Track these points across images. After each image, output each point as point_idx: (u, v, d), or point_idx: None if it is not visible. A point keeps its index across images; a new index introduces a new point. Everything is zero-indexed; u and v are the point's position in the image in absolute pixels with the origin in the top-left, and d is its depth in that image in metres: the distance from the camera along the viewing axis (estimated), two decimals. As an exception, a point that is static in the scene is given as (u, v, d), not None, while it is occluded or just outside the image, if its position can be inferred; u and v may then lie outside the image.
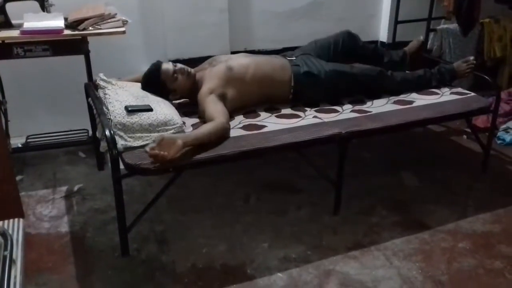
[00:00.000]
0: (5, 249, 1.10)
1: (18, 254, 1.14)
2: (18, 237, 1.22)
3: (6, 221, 1.29)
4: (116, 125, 2.06)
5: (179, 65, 2.41)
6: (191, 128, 2.28)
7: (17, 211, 1.65)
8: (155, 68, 2.39)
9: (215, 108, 2.26)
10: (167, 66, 2.39)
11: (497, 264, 2.14)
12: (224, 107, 2.30)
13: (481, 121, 3.26)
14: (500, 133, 3.28)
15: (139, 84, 2.42)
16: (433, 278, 2.04)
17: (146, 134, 2.10)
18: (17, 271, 1.09)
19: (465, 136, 3.32)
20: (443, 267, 2.11)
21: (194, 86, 2.43)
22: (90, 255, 2.17)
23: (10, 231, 1.22)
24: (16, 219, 1.29)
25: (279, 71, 2.55)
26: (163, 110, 2.19)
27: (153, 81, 2.37)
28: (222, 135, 2.17)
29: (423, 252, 2.20)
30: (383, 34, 3.90)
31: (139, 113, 2.12)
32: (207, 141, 2.09)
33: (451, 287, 2.00)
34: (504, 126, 3.32)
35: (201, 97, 2.34)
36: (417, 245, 2.25)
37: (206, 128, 2.14)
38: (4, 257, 1.07)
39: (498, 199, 2.61)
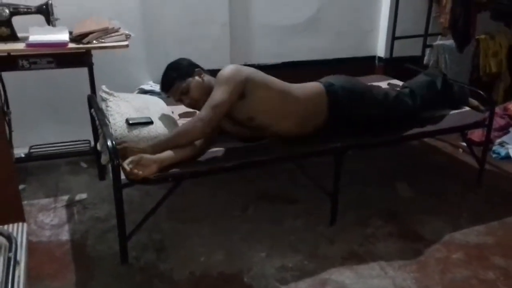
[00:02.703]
0: (10, 251, 1.15)
1: (22, 255, 1.19)
2: (22, 240, 1.27)
3: (10, 225, 1.34)
4: (117, 137, 2.11)
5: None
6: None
7: (19, 216, 1.69)
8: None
9: (217, 96, 2.16)
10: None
11: (490, 275, 2.17)
12: (231, 101, 2.17)
13: (476, 135, 3.31)
14: (495, 147, 3.33)
15: (141, 96, 2.49)
16: (427, 288, 2.08)
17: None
18: (21, 272, 1.13)
19: (461, 150, 3.37)
20: (437, 278, 2.14)
21: (209, 89, 2.26)
22: (90, 262, 2.21)
23: (14, 234, 1.27)
24: (20, 223, 1.34)
25: (310, 88, 2.45)
26: (163, 122, 2.25)
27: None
28: (194, 139, 2.15)
29: (418, 262, 2.24)
30: (380, 49, 3.98)
31: (140, 127, 2.18)
32: (188, 142, 2.15)
33: (445, 297, 2.04)
34: (499, 140, 3.37)
35: (218, 77, 2.23)
36: (411, 256, 2.28)
37: (186, 131, 2.14)
38: (9, 258, 1.12)
39: (492, 211, 2.65)
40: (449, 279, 2.13)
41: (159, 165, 2.03)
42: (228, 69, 2.23)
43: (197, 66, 2.36)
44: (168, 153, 2.08)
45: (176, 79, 2.28)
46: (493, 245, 2.37)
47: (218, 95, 2.17)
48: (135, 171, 1.95)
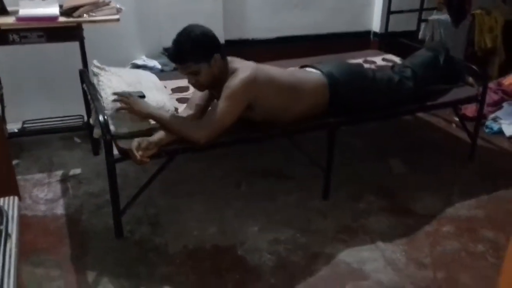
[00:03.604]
0: (1, 224, 1.16)
1: (13, 228, 1.20)
2: (13, 213, 1.28)
3: (1, 199, 1.35)
4: (109, 111, 2.11)
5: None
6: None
7: (13, 190, 1.70)
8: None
9: (222, 111, 2.07)
10: None
11: (480, 247, 2.21)
12: (235, 117, 2.11)
13: (470, 110, 3.32)
14: (488, 122, 3.34)
15: (132, 71, 2.47)
16: (416, 260, 2.11)
17: (137, 121, 2.15)
18: (12, 244, 1.15)
19: (454, 125, 3.38)
20: (426, 250, 2.18)
21: (219, 79, 2.14)
22: (85, 236, 2.24)
23: (6, 208, 1.28)
24: (11, 197, 1.35)
25: (307, 73, 2.44)
26: (155, 96, 2.24)
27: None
28: (186, 138, 2.07)
29: (408, 236, 2.27)
30: (376, 24, 3.96)
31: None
32: (175, 134, 2.08)
33: (434, 268, 2.07)
34: (492, 116, 3.39)
35: (228, 84, 2.10)
36: (402, 230, 2.31)
37: (182, 128, 2.07)
38: (0, 231, 1.13)
39: (483, 185, 2.68)
40: (439, 252, 2.17)
41: (159, 147, 2.04)
42: (238, 82, 2.09)
43: (218, 48, 2.11)
44: (163, 134, 2.07)
45: (191, 59, 2.05)
46: (483, 218, 2.41)
47: (223, 111, 2.07)
48: (145, 159, 1.96)
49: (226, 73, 2.14)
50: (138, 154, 1.95)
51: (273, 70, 2.28)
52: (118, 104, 2.07)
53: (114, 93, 2.12)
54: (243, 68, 2.13)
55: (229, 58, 2.19)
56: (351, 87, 2.39)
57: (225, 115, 2.09)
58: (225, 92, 2.10)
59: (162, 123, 2.09)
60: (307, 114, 2.34)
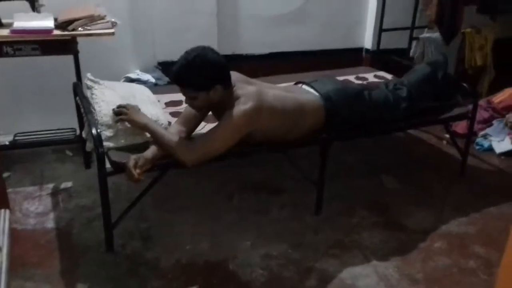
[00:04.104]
0: (-8, 236, 1.15)
1: (4, 241, 1.19)
2: (4, 227, 1.26)
3: (-7, 212, 1.33)
4: (102, 125, 2.11)
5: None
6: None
7: (3, 203, 1.69)
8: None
9: (218, 138, 2.03)
10: None
11: (471, 263, 2.21)
12: (230, 146, 2.06)
13: (460, 127, 3.35)
14: (478, 139, 3.38)
15: (126, 84, 2.47)
16: (409, 276, 2.11)
17: (130, 136, 2.15)
18: (3, 257, 1.13)
19: (445, 142, 3.41)
20: (418, 266, 2.18)
21: (217, 104, 2.09)
22: (76, 250, 2.21)
23: (-3, 221, 1.27)
24: (2, 210, 1.33)
25: (305, 94, 2.39)
26: (149, 110, 2.24)
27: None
28: (175, 156, 2.04)
29: (400, 251, 2.27)
30: (368, 41, 4.01)
31: None
32: (165, 151, 2.04)
33: (426, 285, 2.07)
34: (483, 133, 3.43)
35: (230, 113, 2.03)
36: (395, 245, 2.32)
37: (174, 146, 2.02)
38: (-9, 244, 1.12)
39: (474, 202, 2.70)
40: (431, 268, 2.17)
41: (152, 163, 2.04)
42: (240, 114, 2.02)
43: (222, 79, 2.04)
44: (155, 149, 2.05)
45: (191, 86, 2.01)
46: (474, 234, 2.42)
47: (219, 139, 2.03)
48: (141, 177, 1.96)
49: (227, 99, 2.07)
50: (135, 173, 1.94)
51: (276, 96, 2.19)
52: (118, 116, 2.08)
53: (118, 106, 2.12)
54: (246, 97, 2.05)
55: (233, 80, 2.11)
56: (347, 111, 2.37)
57: (220, 143, 2.05)
58: (225, 120, 2.04)
59: (155, 137, 2.07)
60: (303, 135, 2.34)
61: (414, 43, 3.81)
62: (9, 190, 2.54)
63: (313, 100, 2.36)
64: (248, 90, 2.10)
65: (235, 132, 2.06)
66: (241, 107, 2.03)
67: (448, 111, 2.75)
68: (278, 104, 2.18)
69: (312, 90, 2.44)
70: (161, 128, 2.12)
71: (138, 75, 3.18)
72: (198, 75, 1.97)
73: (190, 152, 2.04)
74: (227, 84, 2.06)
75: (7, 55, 2.50)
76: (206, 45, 2.06)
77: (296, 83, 2.60)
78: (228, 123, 2.04)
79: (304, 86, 2.52)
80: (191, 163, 2.04)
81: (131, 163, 1.96)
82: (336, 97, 2.37)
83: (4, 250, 1.16)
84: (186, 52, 2.00)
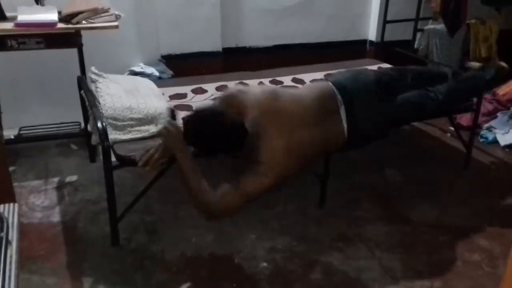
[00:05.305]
0: (1, 230, 1.16)
1: (13, 235, 1.20)
2: (13, 220, 1.28)
3: (1, 206, 1.34)
4: (107, 118, 2.11)
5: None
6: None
7: (10, 197, 1.70)
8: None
9: (250, 186, 1.84)
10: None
11: (475, 256, 2.22)
12: (263, 188, 1.85)
13: (465, 119, 3.35)
14: (483, 132, 3.37)
15: (130, 77, 2.47)
16: (413, 269, 2.12)
17: (136, 128, 2.15)
18: (13, 251, 1.15)
19: (449, 134, 3.40)
20: (423, 259, 2.19)
21: None
22: (81, 244, 2.23)
23: (6, 215, 1.28)
24: (11, 204, 1.35)
25: (333, 126, 2.05)
26: (153, 103, 2.24)
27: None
28: (198, 206, 1.91)
29: (405, 244, 2.28)
30: (372, 33, 3.99)
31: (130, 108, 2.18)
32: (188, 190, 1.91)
33: (430, 277, 2.08)
34: (487, 125, 3.42)
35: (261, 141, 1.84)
36: (399, 238, 2.32)
37: (199, 187, 1.88)
38: (1, 238, 1.13)
39: (478, 194, 2.70)
40: (435, 261, 2.18)
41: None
42: (270, 152, 1.84)
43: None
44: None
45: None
46: (478, 228, 2.42)
47: (256, 186, 1.85)
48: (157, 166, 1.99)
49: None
50: (154, 159, 1.95)
51: (302, 134, 1.93)
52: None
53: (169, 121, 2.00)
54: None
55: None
56: (373, 132, 2.25)
57: (252, 195, 1.86)
58: (260, 161, 1.84)
59: (182, 170, 1.88)
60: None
61: (418, 34, 3.79)
62: (15, 184, 2.55)
63: (340, 134, 2.06)
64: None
65: (269, 179, 1.87)
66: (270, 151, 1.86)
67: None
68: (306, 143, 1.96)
69: (343, 121, 2.06)
70: (193, 165, 1.90)
71: (142, 68, 3.18)
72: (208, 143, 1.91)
73: (220, 197, 1.87)
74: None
75: (11, 48, 2.50)
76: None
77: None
78: (259, 170, 1.86)
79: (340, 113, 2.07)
80: (215, 215, 1.96)
81: (152, 151, 1.97)
82: (364, 127, 2.13)
83: (14, 244, 1.17)
84: (206, 119, 1.88)
